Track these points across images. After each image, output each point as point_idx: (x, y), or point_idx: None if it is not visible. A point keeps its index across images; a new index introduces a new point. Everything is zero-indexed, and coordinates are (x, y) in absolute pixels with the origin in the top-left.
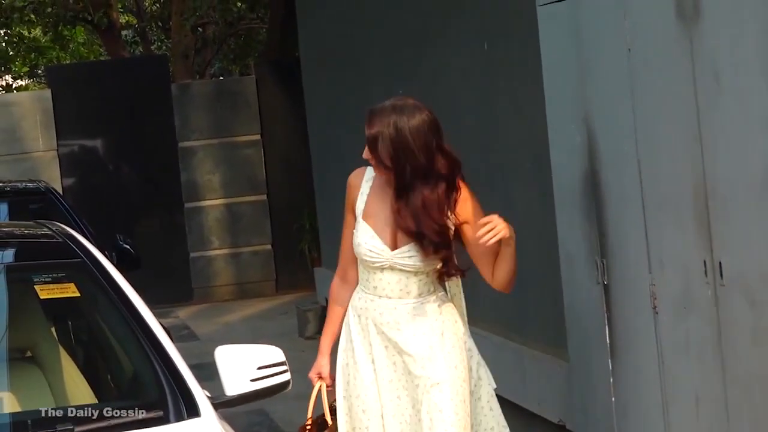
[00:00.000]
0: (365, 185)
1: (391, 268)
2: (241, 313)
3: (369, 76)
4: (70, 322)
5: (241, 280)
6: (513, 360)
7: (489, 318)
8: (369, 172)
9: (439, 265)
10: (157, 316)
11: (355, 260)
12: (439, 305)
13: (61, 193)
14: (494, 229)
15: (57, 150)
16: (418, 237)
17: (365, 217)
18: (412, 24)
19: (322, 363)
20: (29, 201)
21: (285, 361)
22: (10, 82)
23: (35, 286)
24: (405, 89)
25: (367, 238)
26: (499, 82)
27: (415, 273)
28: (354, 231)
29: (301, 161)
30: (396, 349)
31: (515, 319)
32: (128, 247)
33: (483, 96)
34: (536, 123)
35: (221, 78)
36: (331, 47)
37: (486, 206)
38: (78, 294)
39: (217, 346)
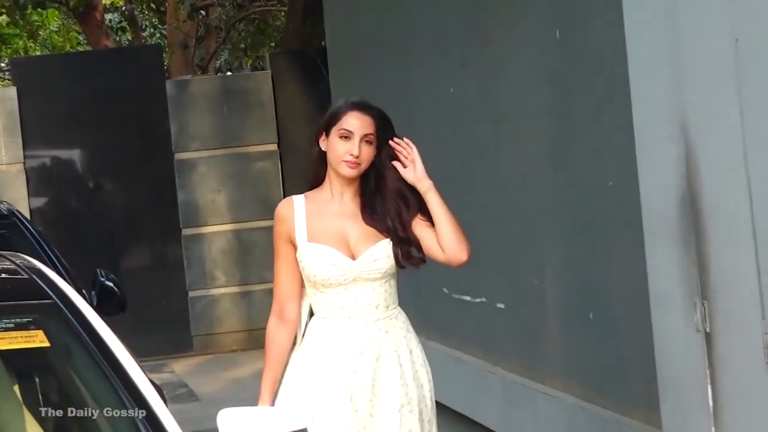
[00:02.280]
0: (298, 212)
1: (355, 281)
2: (252, 366)
3: (412, 69)
4: (37, 379)
5: (253, 325)
6: (592, 426)
7: (561, 374)
8: (297, 201)
9: (394, 262)
10: (147, 370)
11: (294, 294)
12: (404, 321)
13: (27, 216)
14: (409, 150)
15: (24, 163)
16: (394, 231)
17: (312, 239)
18: (467, 6)
19: None
20: None
21: (307, 429)
22: None
23: None
24: (457, 86)
25: (324, 256)
26: (574, 78)
27: (381, 279)
28: (300, 259)
29: None
30: (367, 372)
31: (594, 377)
32: (111, 285)
33: (554, 96)
34: (620, 130)
35: (229, 73)
36: (366, 35)
37: (554, 233)
38: (47, 344)
39: (221, 408)
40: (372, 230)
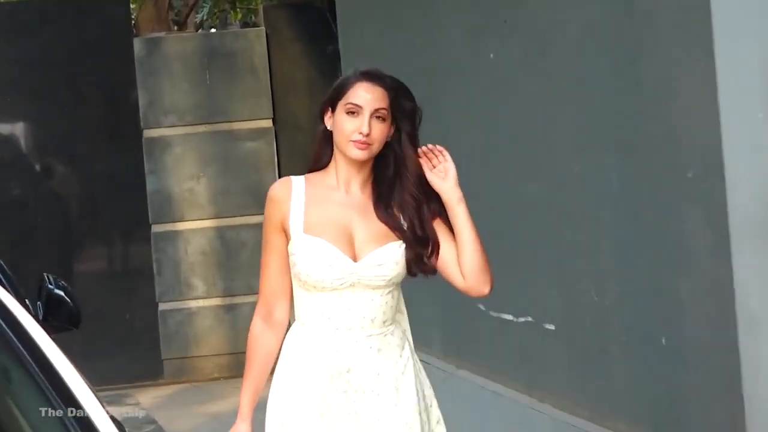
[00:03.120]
0: (296, 196)
1: (353, 287)
2: (238, 399)
3: (443, 28)
4: None
5: (239, 347)
6: None
7: (626, 413)
8: (296, 183)
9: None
10: (105, 402)
11: (285, 292)
12: (401, 337)
13: None
14: (442, 156)
15: None
16: (411, 229)
17: (308, 230)
18: None
19: (242, 430)
20: None
21: None
22: None
23: None
24: (499, 48)
25: (321, 254)
26: (646, 46)
27: (384, 288)
28: (291, 251)
29: None
30: (357, 394)
31: (668, 416)
32: (62, 293)
33: (618, 63)
34: (702, 112)
35: (212, 30)
36: None
37: (618, 236)
38: None
39: None
40: (382, 229)
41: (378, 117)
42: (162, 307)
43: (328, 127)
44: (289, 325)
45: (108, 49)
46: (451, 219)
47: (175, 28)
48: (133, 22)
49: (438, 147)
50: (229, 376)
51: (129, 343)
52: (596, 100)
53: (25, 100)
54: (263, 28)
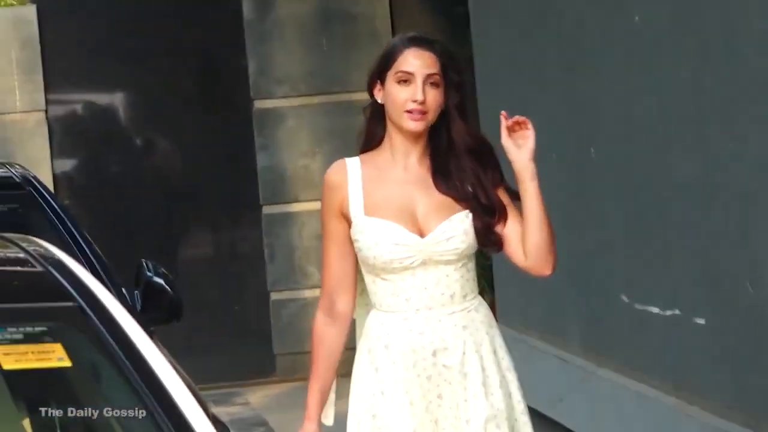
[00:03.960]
0: (353, 179)
1: (425, 264)
2: None
3: None
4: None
5: None
6: None
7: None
8: (352, 165)
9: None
10: (210, 402)
11: (348, 282)
12: (486, 314)
13: (49, 186)
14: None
15: (45, 111)
16: (474, 198)
17: (370, 213)
18: None
19: (310, 430)
20: None
21: None
22: None
23: None
24: (645, 11)
25: (386, 234)
26: None
27: (457, 262)
28: (355, 237)
29: None
30: (443, 377)
31: None
32: (162, 282)
33: None
34: None
35: None
36: None
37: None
38: (68, 363)
39: None
40: (445, 201)
41: (432, 83)
42: (274, 297)
43: (379, 101)
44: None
45: (214, 11)
46: (521, 193)
47: None
48: None
49: (521, 117)
50: (346, 374)
51: (238, 337)
52: (755, 67)
53: (124, 68)
54: None
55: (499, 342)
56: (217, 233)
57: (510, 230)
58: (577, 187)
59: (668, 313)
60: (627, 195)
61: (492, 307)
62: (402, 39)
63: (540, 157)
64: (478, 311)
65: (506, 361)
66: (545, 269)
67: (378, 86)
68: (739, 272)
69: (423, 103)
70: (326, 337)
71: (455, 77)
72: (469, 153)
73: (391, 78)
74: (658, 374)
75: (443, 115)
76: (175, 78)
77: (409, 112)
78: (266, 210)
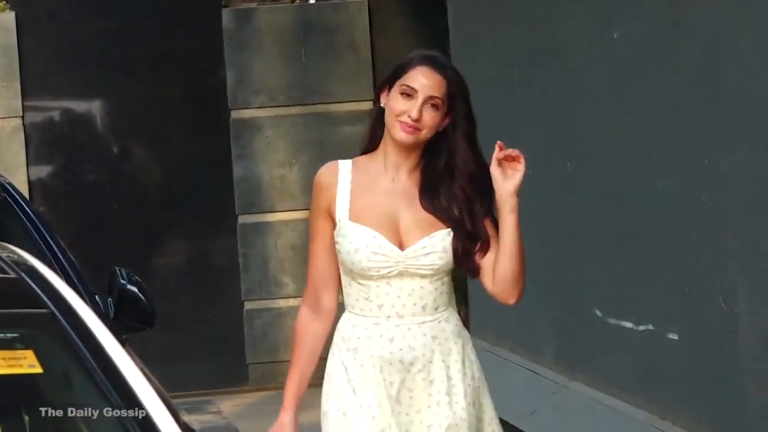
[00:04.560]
0: (343, 182)
1: (401, 275)
2: None
3: (563, 3)
4: (25, 418)
5: None
6: None
7: (758, 428)
8: (344, 167)
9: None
10: (182, 410)
11: (332, 280)
12: (456, 324)
13: (24, 192)
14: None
15: (22, 117)
16: (458, 222)
17: (354, 218)
18: None
19: (285, 421)
20: None
21: None
22: None
23: None
24: (625, 28)
25: (366, 240)
26: None
27: (433, 276)
28: (337, 239)
29: None
30: (409, 383)
31: None
32: (135, 290)
33: (765, 47)
34: None
35: (311, 2)
36: None
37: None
38: (39, 369)
39: None
40: (429, 217)
41: (432, 105)
42: (248, 306)
43: (382, 105)
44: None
45: (194, 21)
46: (499, 222)
47: None
48: None
49: (515, 151)
50: (319, 384)
51: (211, 346)
52: (736, 86)
53: (102, 76)
54: (365, 0)
55: (469, 353)
56: (192, 242)
57: (486, 257)
58: (552, 202)
59: (641, 327)
60: (602, 210)
61: (466, 319)
62: (419, 55)
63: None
64: (449, 322)
65: (476, 372)
66: (510, 298)
67: (386, 92)
68: (712, 288)
69: (417, 120)
70: (309, 330)
71: (462, 107)
72: (470, 180)
73: (396, 88)
74: (631, 388)
75: (444, 137)
76: (153, 87)
77: (401, 122)
78: (242, 219)
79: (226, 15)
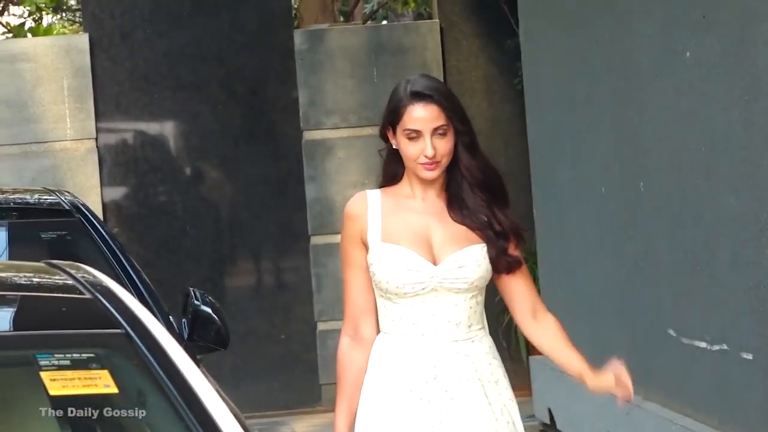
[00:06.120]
0: (373, 208)
1: (435, 291)
2: None
3: (632, 22)
4: None
5: None
6: None
7: None
8: (372, 196)
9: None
10: (257, 430)
11: (369, 308)
12: (490, 345)
13: (98, 213)
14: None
15: (96, 139)
16: (488, 225)
17: (386, 239)
18: None
19: None
20: (42, 226)
21: None
22: (21, 20)
23: (42, 374)
24: (696, 46)
25: (399, 259)
26: None
27: (467, 292)
28: (370, 261)
29: (516, 165)
30: (444, 402)
31: None
32: (209, 311)
33: None
34: None
35: (384, 22)
36: None
37: None
38: (114, 389)
39: None
40: (462, 231)
41: (440, 134)
42: (321, 327)
43: (393, 146)
44: None
45: (265, 42)
46: (575, 368)
47: (341, 19)
48: (294, 12)
49: (630, 396)
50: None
51: (284, 367)
52: None
53: (174, 97)
54: (437, 20)
55: (501, 374)
56: (265, 263)
57: (511, 288)
58: (626, 221)
59: (716, 348)
60: (676, 229)
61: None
62: (405, 92)
63: (590, 190)
64: (482, 342)
65: (508, 392)
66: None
67: (390, 132)
68: None
69: (434, 156)
70: (352, 360)
71: (460, 123)
72: (481, 187)
73: (400, 133)
74: (704, 409)
75: (456, 153)
76: (225, 108)
77: (422, 164)
78: (314, 240)
79: (298, 36)
